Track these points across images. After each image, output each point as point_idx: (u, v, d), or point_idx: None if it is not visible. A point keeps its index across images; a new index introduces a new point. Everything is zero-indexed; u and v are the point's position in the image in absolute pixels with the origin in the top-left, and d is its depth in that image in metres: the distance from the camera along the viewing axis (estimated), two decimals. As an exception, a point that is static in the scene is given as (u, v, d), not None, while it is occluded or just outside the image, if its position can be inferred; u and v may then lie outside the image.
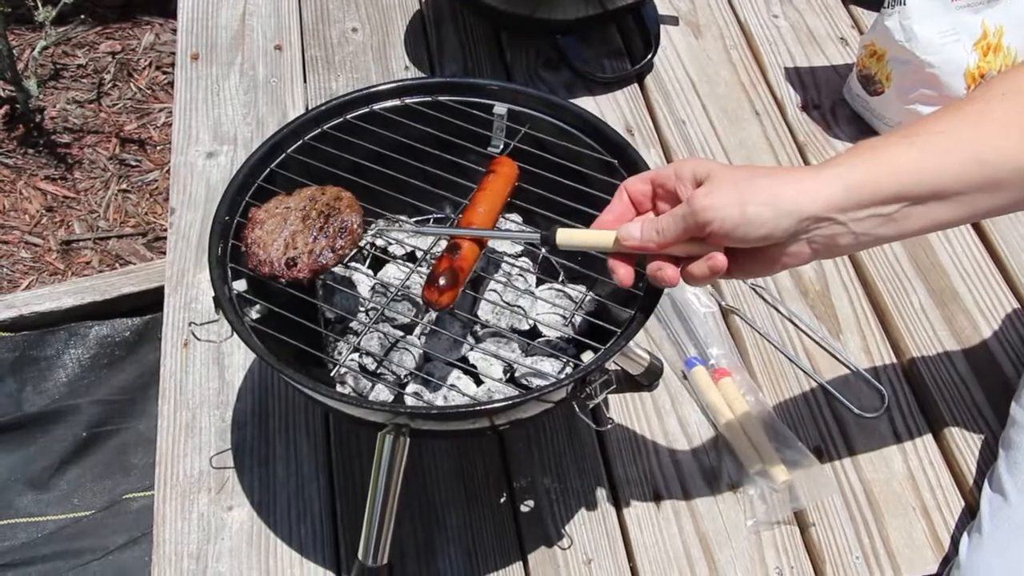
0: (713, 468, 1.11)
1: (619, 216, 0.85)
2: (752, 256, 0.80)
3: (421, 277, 1.04)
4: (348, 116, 1.04)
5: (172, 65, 2.06)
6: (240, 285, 0.92)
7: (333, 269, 1.03)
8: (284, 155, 1.01)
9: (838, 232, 0.79)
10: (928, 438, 1.14)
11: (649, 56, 1.51)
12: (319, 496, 1.07)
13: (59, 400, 1.57)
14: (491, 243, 1.02)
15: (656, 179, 0.84)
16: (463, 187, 1.00)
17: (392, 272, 1.07)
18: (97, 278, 1.67)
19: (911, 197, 0.79)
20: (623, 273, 0.83)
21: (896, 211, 0.79)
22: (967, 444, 1.12)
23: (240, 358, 1.18)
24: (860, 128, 1.45)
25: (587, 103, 1.46)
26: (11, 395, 1.57)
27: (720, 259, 0.79)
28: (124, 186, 1.92)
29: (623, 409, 1.15)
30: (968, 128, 0.81)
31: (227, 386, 1.16)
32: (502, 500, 1.07)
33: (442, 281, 0.84)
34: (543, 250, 1.10)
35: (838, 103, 1.49)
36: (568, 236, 0.85)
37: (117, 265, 1.80)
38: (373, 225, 1.03)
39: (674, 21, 1.60)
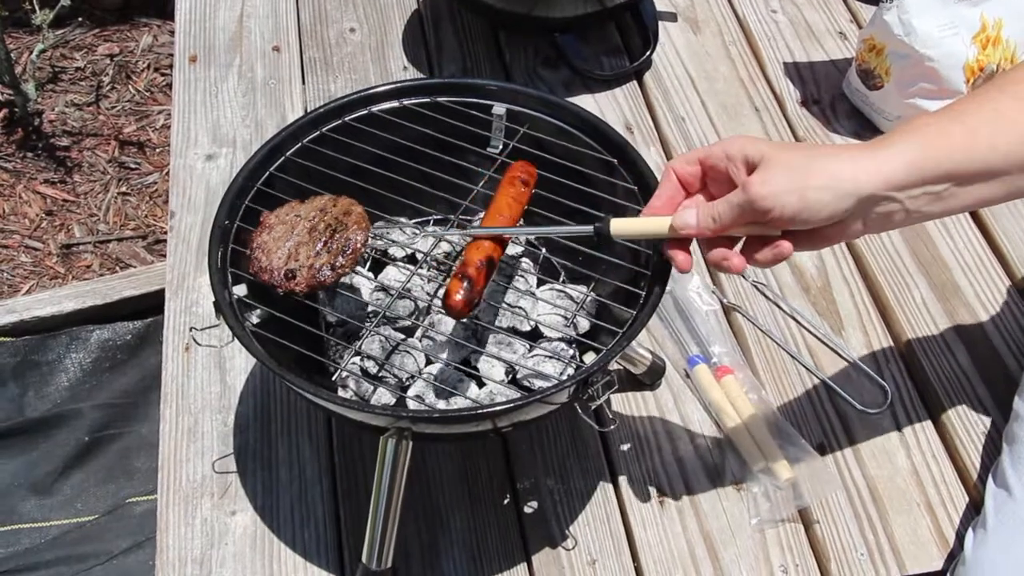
0: (716, 466, 1.10)
1: (668, 200, 0.84)
2: (809, 234, 0.81)
3: (422, 279, 1.04)
4: (347, 118, 1.04)
5: (170, 67, 2.06)
6: (240, 290, 0.92)
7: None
8: (283, 158, 1.01)
9: (894, 209, 0.80)
10: (931, 433, 1.13)
11: (648, 53, 1.50)
12: (322, 500, 1.07)
13: (61, 404, 1.57)
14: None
15: (706, 160, 0.82)
16: (463, 188, 0.99)
17: (393, 274, 1.06)
18: (98, 282, 1.67)
19: (963, 175, 0.80)
20: (682, 259, 0.83)
21: (946, 189, 0.80)
22: (971, 439, 1.12)
23: (241, 362, 1.18)
24: (860, 123, 1.45)
25: (586, 101, 1.46)
26: (13, 400, 1.57)
27: (786, 246, 0.80)
28: (124, 189, 1.92)
29: (626, 408, 1.14)
30: (1017, 109, 0.82)
31: (229, 390, 1.16)
32: (506, 501, 1.07)
33: (465, 294, 0.83)
34: (542, 251, 1.10)
35: (837, 98, 1.49)
36: (623, 226, 0.84)
37: (117, 268, 1.80)
38: (391, 229, 1.01)
39: (672, 18, 1.59)
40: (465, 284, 0.84)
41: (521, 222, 0.93)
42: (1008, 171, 0.81)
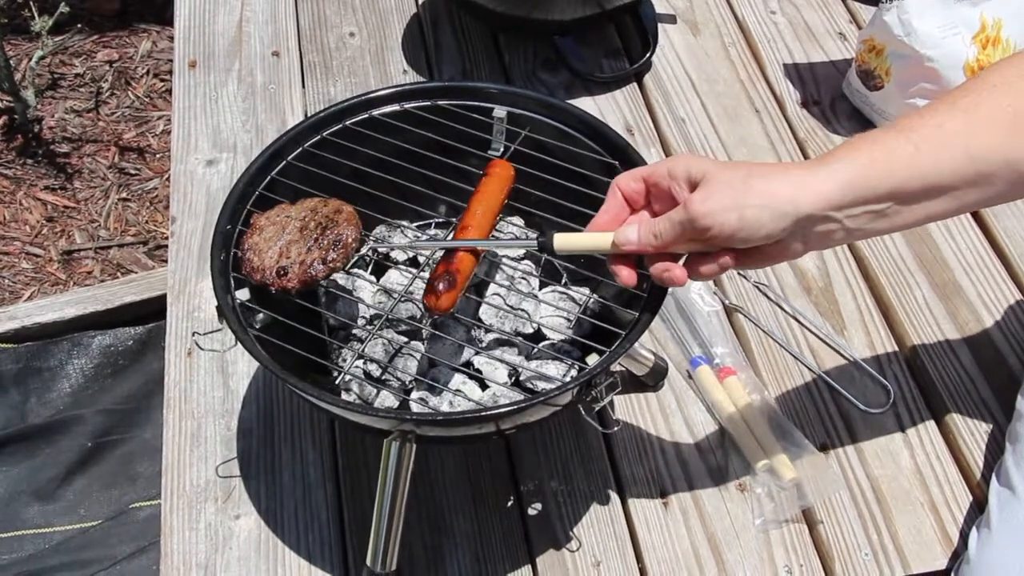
0: (720, 467, 1.10)
1: (614, 216, 0.85)
2: (750, 252, 0.81)
3: (424, 282, 1.04)
4: (347, 122, 1.04)
5: (170, 72, 2.05)
6: (243, 294, 0.92)
7: (335, 277, 1.03)
8: (284, 163, 1.01)
9: (832, 229, 0.79)
10: (935, 433, 1.13)
11: (647, 55, 1.50)
12: (326, 503, 1.07)
13: (64, 411, 1.57)
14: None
15: (649, 178, 0.83)
16: (464, 191, 0.99)
17: (395, 278, 1.06)
18: (99, 287, 1.67)
19: (906, 193, 0.79)
20: (626, 275, 0.83)
21: (889, 207, 0.79)
22: (974, 438, 1.12)
23: (244, 366, 1.18)
24: (860, 123, 1.45)
25: (586, 103, 1.46)
26: (15, 407, 1.57)
27: (728, 259, 0.80)
28: (124, 195, 1.92)
29: (629, 410, 1.15)
30: (961, 122, 0.81)
31: (232, 395, 1.16)
32: (510, 504, 1.07)
33: (440, 286, 0.84)
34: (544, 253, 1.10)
35: (838, 99, 1.49)
36: (565, 241, 0.85)
37: (118, 274, 1.80)
38: (370, 237, 1.02)
39: (672, 20, 1.60)
40: (442, 282, 0.85)
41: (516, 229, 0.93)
42: (955, 186, 0.80)
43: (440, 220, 1.10)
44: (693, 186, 0.80)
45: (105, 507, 1.47)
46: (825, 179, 0.77)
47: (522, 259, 1.10)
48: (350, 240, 0.90)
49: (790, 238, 0.79)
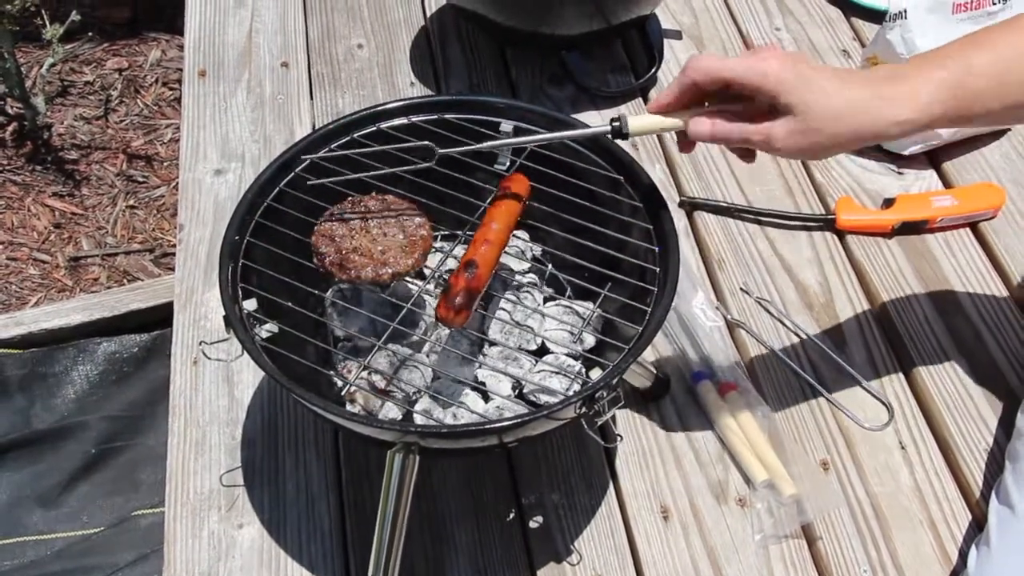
0: (720, 482, 1.11)
1: (677, 100, 0.89)
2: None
3: (430, 295, 1.05)
4: (355, 135, 1.05)
5: (178, 81, 2.07)
6: (250, 304, 0.93)
7: (342, 287, 1.04)
8: (292, 174, 1.02)
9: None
10: (934, 450, 1.14)
11: (653, 71, 1.52)
12: (329, 514, 1.08)
13: (68, 417, 1.58)
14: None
15: (735, 82, 0.85)
16: (471, 204, 1.00)
17: (400, 290, 1.07)
18: (105, 294, 1.68)
19: (993, 115, 0.87)
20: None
21: (974, 122, 0.89)
22: (973, 456, 1.12)
23: (249, 376, 1.19)
24: (863, 141, 1.45)
25: (592, 118, 1.47)
26: (20, 412, 1.58)
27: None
28: (131, 202, 1.93)
29: (630, 424, 1.15)
30: None
31: (236, 404, 1.16)
32: (511, 516, 1.08)
33: (458, 300, 0.85)
34: (549, 267, 1.11)
35: (841, 116, 1.49)
36: (638, 123, 0.91)
37: (125, 281, 1.81)
38: None
39: (677, 35, 1.61)
40: (460, 296, 0.85)
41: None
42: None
43: (445, 232, 1.11)
44: (774, 107, 0.84)
45: (108, 514, 1.48)
46: (914, 111, 0.83)
47: (527, 272, 1.11)
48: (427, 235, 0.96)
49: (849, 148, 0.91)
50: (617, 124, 0.90)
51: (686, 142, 0.92)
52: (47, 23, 1.95)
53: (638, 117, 0.91)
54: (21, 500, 1.48)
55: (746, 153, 0.93)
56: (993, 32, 0.89)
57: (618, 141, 0.96)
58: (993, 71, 0.85)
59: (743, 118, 0.86)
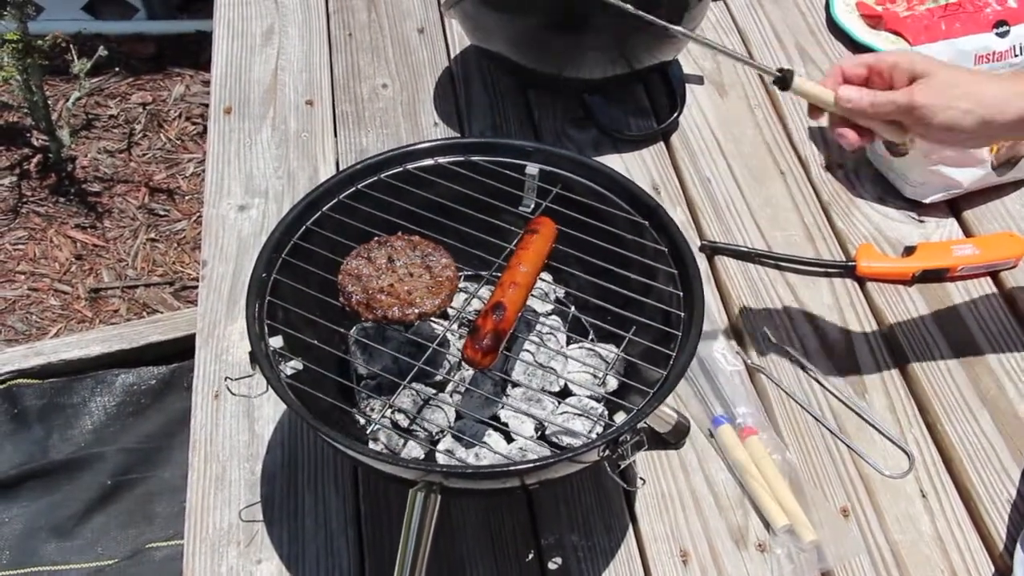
0: (740, 527, 1.11)
1: (829, 88, 1.00)
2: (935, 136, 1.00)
3: (454, 335, 1.06)
4: (382, 175, 1.07)
5: (201, 116, 2.10)
6: (276, 342, 0.93)
7: (366, 325, 1.05)
8: (319, 213, 1.03)
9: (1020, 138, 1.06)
10: (956, 499, 1.13)
11: (675, 115, 1.53)
12: (347, 550, 1.08)
13: (85, 448, 1.59)
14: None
15: (875, 66, 0.99)
16: (495, 246, 1.01)
17: (424, 329, 1.08)
18: (125, 326, 1.69)
19: None
20: (852, 137, 1.01)
21: None
22: (995, 506, 1.12)
23: (270, 411, 1.19)
24: (884, 187, 1.46)
25: (613, 160, 1.48)
26: (38, 442, 1.59)
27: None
28: (152, 235, 1.95)
29: (650, 466, 1.15)
30: None
31: (257, 439, 1.17)
32: (530, 556, 1.07)
33: (487, 343, 0.85)
34: (572, 309, 1.11)
35: (861, 163, 1.50)
36: (801, 83, 1.00)
37: (144, 313, 1.82)
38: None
39: (699, 80, 1.62)
40: (488, 339, 0.86)
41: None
42: None
43: (469, 273, 1.12)
44: (912, 80, 0.96)
45: (123, 546, 1.48)
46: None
47: (550, 314, 1.11)
48: (453, 276, 0.97)
49: (980, 137, 0.98)
50: (782, 75, 1.00)
51: (842, 125, 1.01)
52: (75, 57, 1.98)
53: (802, 78, 1.00)
54: (36, 531, 1.49)
55: (895, 132, 0.99)
56: None
57: (639, 183, 0.98)
58: None
59: None
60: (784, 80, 1.00)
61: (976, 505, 1.12)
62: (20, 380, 1.61)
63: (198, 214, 1.46)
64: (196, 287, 1.37)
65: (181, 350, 1.64)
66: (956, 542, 1.09)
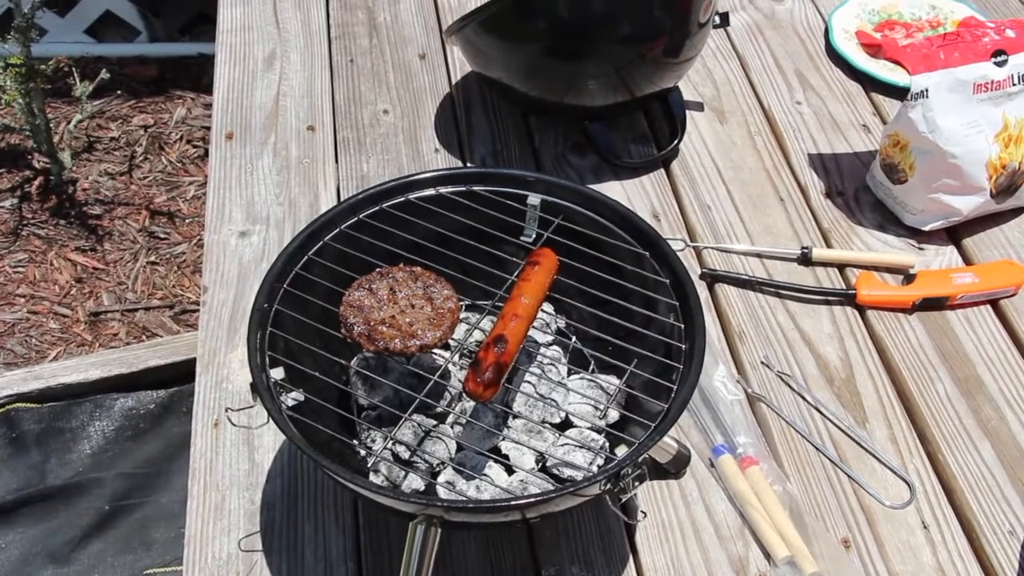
0: (741, 557, 1.10)
1: None
2: None
3: (455, 366, 1.05)
4: (384, 205, 1.07)
5: (203, 138, 2.10)
6: (278, 373, 0.93)
7: (367, 356, 1.05)
8: (321, 243, 1.03)
9: None
10: (957, 530, 1.13)
11: (675, 142, 1.53)
12: (347, 581, 1.07)
13: (83, 472, 1.58)
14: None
15: None
16: (496, 276, 1.01)
17: (425, 360, 1.08)
18: (124, 350, 1.69)
19: None
20: None
21: None
22: (996, 536, 1.12)
23: (270, 440, 1.19)
24: (884, 215, 1.47)
25: (614, 188, 1.49)
26: (35, 467, 1.58)
27: None
28: (152, 258, 1.95)
29: (650, 497, 1.15)
30: None
31: (256, 468, 1.16)
32: (530, 588, 1.07)
33: (487, 375, 0.85)
34: (572, 340, 1.11)
35: (861, 190, 1.51)
36: None
37: (144, 337, 1.82)
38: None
39: (699, 107, 1.63)
40: (490, 372, 0.86)
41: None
42: None
43: (468, 303, 1.12)
44: None
45: (120, 572, 1.47)
46: None
47: (550, 345, 1.11)
48: (455, 308, 0.96)
49: None
50: None
51: None
52: (77, 80, 1.99)
53: None
54: (32, 556, 1.48)
55: None
56: None
57: (639, 209, 0.97)
58: None
59: None
60: None
61: (978, 536, 1.12)
62: (18, 404, 1.60)
63: (199, 237, 1.46)
64: (196, 310, 1.36)
65: (181, 374, 1.64)
66: (958, 573, 1.09)
